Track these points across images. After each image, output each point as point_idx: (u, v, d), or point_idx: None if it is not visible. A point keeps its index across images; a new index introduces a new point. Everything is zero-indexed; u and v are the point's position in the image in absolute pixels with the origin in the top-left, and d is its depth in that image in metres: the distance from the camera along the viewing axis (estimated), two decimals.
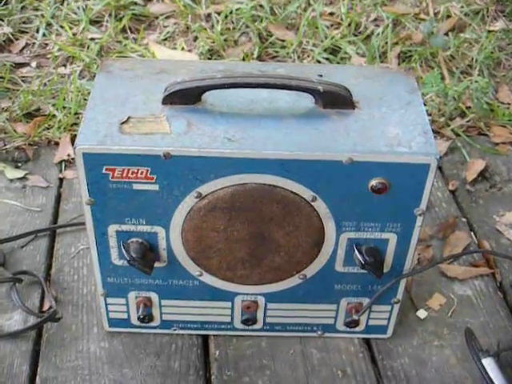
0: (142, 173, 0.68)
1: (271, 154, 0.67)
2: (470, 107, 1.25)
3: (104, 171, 0.68)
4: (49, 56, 1.36)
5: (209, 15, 1.47)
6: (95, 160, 0.67)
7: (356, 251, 0.74)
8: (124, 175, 0.68)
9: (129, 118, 0.69)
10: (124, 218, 0.72)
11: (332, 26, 1.46)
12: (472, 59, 1.37)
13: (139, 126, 0.69)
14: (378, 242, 0.74)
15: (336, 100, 0.71)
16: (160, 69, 0.77)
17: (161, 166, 0.67)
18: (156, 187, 0.69)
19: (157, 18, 1.48)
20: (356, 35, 1.43)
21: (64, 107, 1.20)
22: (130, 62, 0.82)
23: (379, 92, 0.75)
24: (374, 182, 0.69)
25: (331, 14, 1.49)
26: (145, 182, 0.69)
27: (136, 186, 0.69)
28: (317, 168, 0.68)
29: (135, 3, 1.48)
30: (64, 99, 1.21)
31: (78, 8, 1.45)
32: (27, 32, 1.42)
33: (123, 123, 0.69)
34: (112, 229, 0.73)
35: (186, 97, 0.71)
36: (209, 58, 1.37)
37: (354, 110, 0.72)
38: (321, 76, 0.75)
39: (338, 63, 1.36)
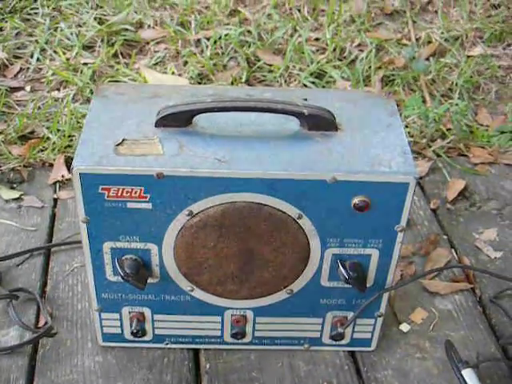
0: (136, 192, 0.71)
1: (259, 174, 0.70)
2: (450, 129, 1.30)
3: (100, 191, 0.71)
4: (43, 80, 1.40)
5: (198, 41, 1.51)
6: (91, 180, 0.70)
7: (340, 266, 0.77)
8: (119, 194, 0.72)
9: (123, 140, 0.73)
10: (118, 236, 0.75)
11: (317, 51, 1.51)
12: (452, 83, 1.42)
13: (133, 148, 0.72)
14: (361, 258, 0.78)
15: (320, 123, 0.75)
16: (153, 93, 0.81)
17: (154, 185, 0.71)
18: (149, 206, 0.72)
19: (148, 43, 1.52)
20: (341, 60, 1.48)
21: (58, 130, 1.23)
22: (124, 86, 0.86)
23: (361, 115, 0.79)
24: (356, 200, 0.72)
25: (317, 39, 1.54)
26: (139, 201, 0.72)
27: (130, 205, 0.72)
28: (302, 187, 0.71)
29: (127, 29, 1.52)
30: (58, 122, 1.24)
31: (71, 34, 1.49)
32: (22, 57, 1.45)
33: (118, 145, 0.72)
34: (107, 246, 0.76)
35: (177, 120, 0.75)
36: (199, 83, 1.41)
37: (338, 132, 0.76)
38: (306, 100, 0.79)
39: (324, 87, 1.40)
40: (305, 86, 1.41)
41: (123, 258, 0.77)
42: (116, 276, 0.79)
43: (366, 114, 0.80)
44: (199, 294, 0.80)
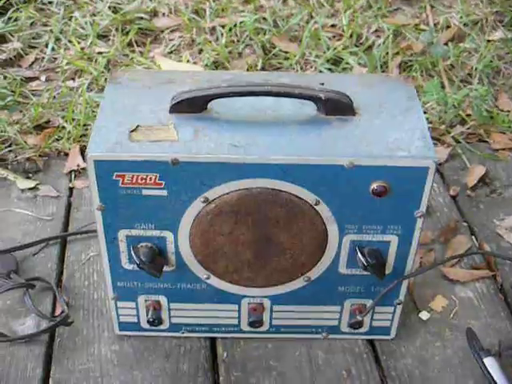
0: (150, 179, 0.71)
1: (275, 159, 0.69)
2: (469, 115, 1.28)
3: (114, 178, 0.70)
4: (58, 70, 1.39)
5: (213, 28, 1.50)
6: (106, 167, 0.70)
7: (358, 253, 0.76)
8: (134, 181, 0.71)
9: (138, 126, 0.72)
10: (134, 223, 0.75)
11: (334, 37, 1.49)
12: (471, 68, 1.40)
13: (148, 134, 0.71)
14: (379, 244, 0.76)
15: (337, 107, 0.74)
16: (167, 79, 0.80)
17: (169, 172, 0.70)
18: (164, 193, 0.72)
19: (162, 31, 1.51)
20: (357, 46, 1.46)
21: (73, 119, 1.23)
22: (138, 73, 0.85)
23: (379, 99, 0.77)
24: (374, 186, 0.71)
25: (333, 25, 1.52)
26: (154, 188, 0.71)
27: (145, 192, 0.72)
28: (320, 172, 0.70)
29: (141, 18, 1.51)
30: (73, 111, 1.24)
31: (86, 23, 1.48)
32: (37, 47, 1.45)
33: (132, 131, 0.71)
34: (122, 234, 0.75)
35: (192, 105, 0.74)
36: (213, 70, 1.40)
37: (355, 117, 0.74)
38: (322, 84, 0.78)
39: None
40: (321, 72, 1.39)
41: (139, 245, 0.76)
42: (132, 264, 0.78)
43: (384, 97, 0.78)
44: (215, 281, 0.80)
